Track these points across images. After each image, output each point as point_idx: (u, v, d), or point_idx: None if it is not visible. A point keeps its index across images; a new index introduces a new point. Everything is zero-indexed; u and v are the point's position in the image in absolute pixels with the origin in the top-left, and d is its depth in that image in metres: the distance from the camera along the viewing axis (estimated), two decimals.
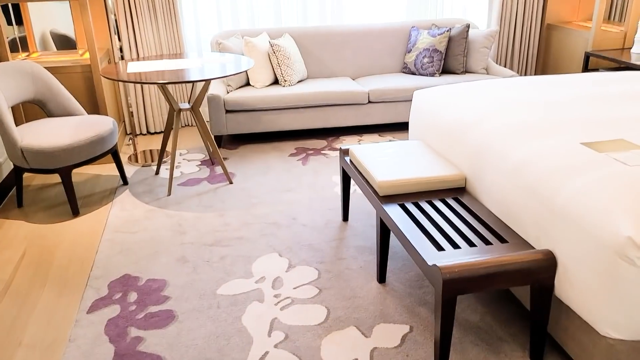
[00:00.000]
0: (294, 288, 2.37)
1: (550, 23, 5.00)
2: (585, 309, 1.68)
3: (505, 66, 5.02)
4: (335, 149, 4.00)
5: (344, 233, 2.81)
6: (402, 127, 4.48)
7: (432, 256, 1.85)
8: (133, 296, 2.35)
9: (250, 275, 2.48)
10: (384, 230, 2.29)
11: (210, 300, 2.30)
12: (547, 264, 1.77)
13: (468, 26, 4.36)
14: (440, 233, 2.00)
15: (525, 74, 5.07)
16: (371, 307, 2.23)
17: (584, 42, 4.56)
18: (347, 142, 4.13)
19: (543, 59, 5.17)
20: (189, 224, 2.95)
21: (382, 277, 2.38)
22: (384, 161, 2.48)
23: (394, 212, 2.16)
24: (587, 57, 4.29)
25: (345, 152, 2.78)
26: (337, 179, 3.46)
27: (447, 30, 4.34)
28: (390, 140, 4.11)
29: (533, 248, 1.88)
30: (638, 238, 1.51)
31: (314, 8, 4.75)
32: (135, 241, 2.79)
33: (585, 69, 4.32)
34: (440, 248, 1.90)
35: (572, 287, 1.72)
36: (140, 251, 2.70)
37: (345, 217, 2.93)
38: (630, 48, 4.32)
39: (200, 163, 3.84)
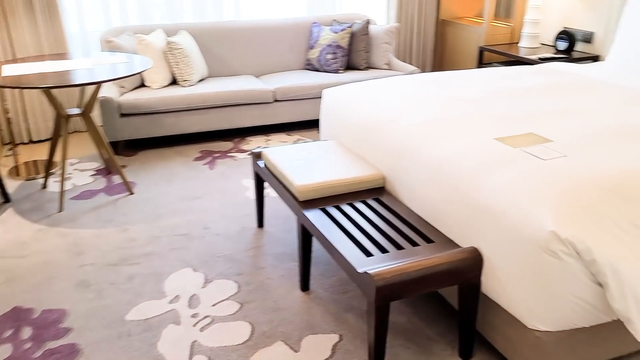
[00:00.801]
0: (213, 305, 2.21)
1: (445, 19, 5.17)
2: (513, 304, 1.69)
3: (405, 61, 5.12)
4: (242, 151, 3.85)
5: (261, 240, 2.68)
6: (309, 125, 4.41)
7: (361, 263, 1.78)
8: (27, 332, 2.06)
9: (162, 295, 2.28)
10: (306, 237, 2.19)
11: (120, 327, 2.08)
12: (474, 262, 1.77)
13: (368, 22, 4.37)
14: (366, 237, 1.94)
15: (424, 69, 5.21)
16: (297, 318, 2.13)
17: (477, 37, 4.75)
18: (254, 143, 3.99)
19: (440, 54, 5.33)
20: (87, 243, 2.67)
21: (305, 285, 2.29)
22: (300, 164, 2.38)
23: (317, 217, 2.07)
24: (481, 51, 4.47)
25: (258, 156, 2.65)
26: (248, 183, 3.32)
27: (349, 26, 4.33)
28: (298, 139, 4.03)
29: (459, 246, 1.87)
30: (561, 232, 1.53)
31: (210, 3, 4.53)
32: (24, 267, 2.48)
33: (480, 62, 4.50)
34: (368, 253, 1.84)
35: (499, 283, 1.73)
36: (32, 278, 2.39)
37: (261, 223, 2.80)
38: (518, 42, 4.56)
39: (94, 173, 3.51)
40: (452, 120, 2.28)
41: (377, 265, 1.76)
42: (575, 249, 1.53)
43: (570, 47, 4.02)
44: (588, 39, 4.03)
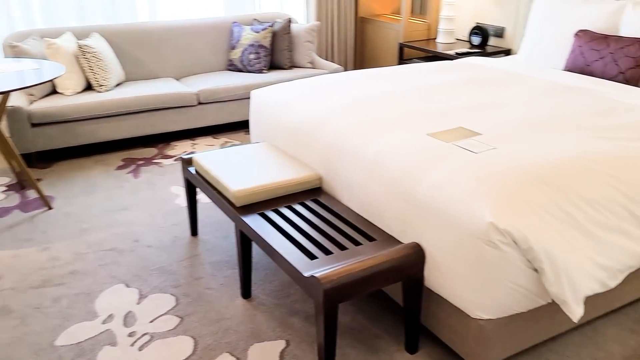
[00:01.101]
0: (151, 321, 2.11)
1: (363, 16, 5.24)
2: (456, 295, 1.73)
3: (327, 59, 5.14)
4: (168, 157, 3.71)
5: (196, 249, 2.59)
6: (236, 127, 4.32)
7: (306, 266, 1.76)
8: None
9: (94, 315, 2.14)
10: (245, 243, 2.14)
11: (50, 354, 1.94)
12: (417, 258, 1.80)
13: (290, 21, 4.35)
14: (308, 239, 1.92)
15: (346, 67, 5.26)
16: (241, 327, 2.07)
17: (396, 34, 4.86)
18: (180, 148, 3.86)
19: (360, 51, 5.41)
20: (4, 265, 2.47)
21: (247, 292, 2.23)
22: (234, 168, 2.32)
23: (256, 222, 2.02)
24: (401, 48, 4.58)
25: (188, 162, 2.55)
26: (177, 190, 3.20)
27: (270, 25, 4.28)
28: (226, 142, 3.94)
29: (400, 243, 1.89)
30: (499, 223, 1.59)
31: (121, 3, 4.33)
32: None
33: (401, 59, 4.60)
34: (312, 256, 1.82)
35: (441, 276, 1.77)
36: None
37: (194, 232, 2.71)
38: (435, 38, 4.71)
39: (6, 189, 3.26)
40: (385, 117, 2.30)
41: (323, 267, 1.75)
42: (512, 238, 1.59)
43: (484, 41, 4.20)
44: (500, 33, 4.22)
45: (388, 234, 1.95)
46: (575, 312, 1.63)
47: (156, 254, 2.55)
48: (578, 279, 1.63)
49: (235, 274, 2.40)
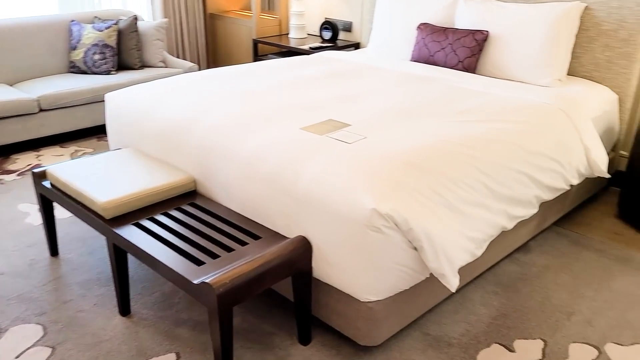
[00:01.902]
0: (17, 357, 1.88)
1: (213, 13, 5.14)
2: (345, 282, 1.79)
3: (179, 58, 4.96)
4: (9, 172, 3.31)
5: (60, 270, 2.36)
6: (86, 134, 3.99)
7: (194, 273, 1.69)
8: None
9: None
10: (119, 257, 2.00)
11: None
12: (304, 251, 1.82)
13: (136, 18, 4.12)
14: (192, 245, 1.84)
15: (200, 65, 5.12)
16: (124, 347, 1.93)
17: (248, 30, 4.84)
18: (23, 161, 3.47)
19: (213, 49, 5.30)
20: None
21: (125, 309, 2.09)
22: (98, 178, 2.15)
23: (131, 234, 1.90)
24: (255, 44, 4.57)
25: (41, 176, 2.30)
26: (27, 208, 2.88)
27: (115, 23, 4.02)
28: (76, 151, 3.63)
29: (286, 238, 1.90)
30: (381, 208, 1.66)
31: None
32: None
33: (256, 55, 4.60)
34: (198, 262, 1.75)
35: (329, 265, 1.81)
36: None
37: (55, 251, 2.46)
38: (288, 34, 4.78)
39: None
40: (255, 114, 2.29)
41: (212, 272, 1.69)
42: (394, 221, 1.68)
43: (334, 36, 4.36)
44: (348, 28, 4.41)
45: (273, 231, 1.94)
46: (453, 283, 1.77)
47: (11, 282, 2.28)
48: (452, 253, 1.78)
49: (109, 291, 2.23)
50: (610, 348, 1.97)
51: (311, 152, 1.93)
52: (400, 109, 2.41)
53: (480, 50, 3.10)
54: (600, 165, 2.54)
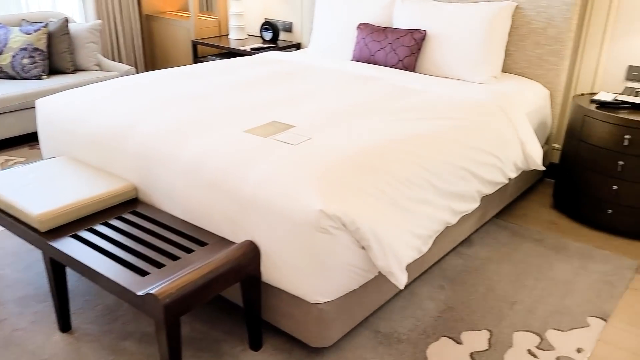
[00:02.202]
0: None
1: (149, 14, 5.00)
2: (294, 285, 1.78)
3: (114, 61, 4.80)
4: None
5: None
6: (18, 142, 3.80)
7: (138, 284, 1.63)
8: None
9: None
10: (57, 271, 1.91)
11: None
12: (253, 255, 1.80)
13: (67, 20, 3.95)
14: (135, 255, 1.78)
15: (137, 68, 4.98)
16: None
17: (186, 32, 4.74)
18: None
19: (150, 51, 5.16)
20: None
21: (66, 325, 2.00)
22: (32, 189, 2.04)
23: (69, 246, 1.81)
24: (194, 45, 4.48)
25: None
26: None
27: (44, 26, 3.84)
28: (7, 161, 3.45)
29: (234, 243, 1.87)
30: (328, 209, 1.66)
31: None
32: None
33: (195, 57, 4.51)
34: (143, 272, 1.70)
35: (278, 269, 1.79)
36: None
37: None
38: (227, 35, 4.72)
39: None
40: (197, 117, 2.24)
41: (158, 282, 1.64)
42: (342, 222, 1.68)
43: (275, 36, 4.33)
44: (288, 28, 4.40)
45: (220, 237, 1.91)
46: (401, 280, 1.79)
47: None
48: (400, 250, 1.80)
49: (47, 307, 2.13)
50: (550, 334, 2.05)
51: (256, 155, 1.90)
52: (344, 109, 2.42)
53: (419, 49, 3.16)
54: (536, 159, 2.64)
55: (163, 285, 1.57)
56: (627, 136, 2.59)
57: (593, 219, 2.81)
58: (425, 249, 1.97)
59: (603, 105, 2.76)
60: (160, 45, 5.05)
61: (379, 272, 1.92)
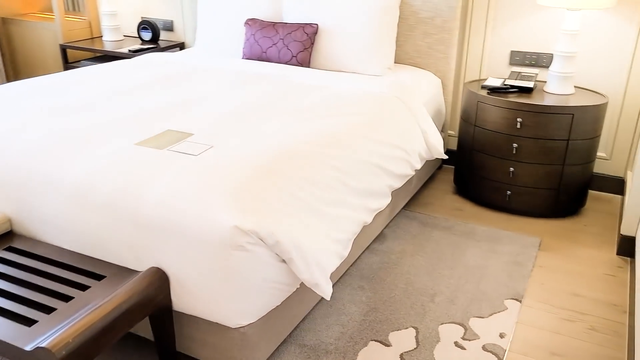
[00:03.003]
0: None
1: (5, 17, 4.45)
2: (212, 311, 1.60)
3: None
4: None
5: None
6: None
7: (25, 337, 1.37)
8: None
9: None
10: None
11: None
12: (161, 284, 1.59)
13: None
14: (18, 301, 1.50)
15: None
16: None
17: (52, 35, 4.27)
18: None
19: (11, 59, 4.59)
20: None
21: None
22: None
23: None
24: (64, 50, 4.05)
25: None
26: None
27: None
28: None
29: (137, 272, 1.65)
30: (243, 224, 1.51)
31: None
32: None
33: (66, 62, 4.07)
34: (29, 321, 1.43)
35: (191, 295, 1.61)
36: None
37: None
38: (101, 37, 4.32)
39: None
40: (77, 132, 1.96)
41: (49, 332, 1.39)
42: (259, 236, 1.53)
43: (155, 36, 4.03)
44: (169, 27, 4.12)
45: (119, 266, 1.67)
46: (327, 291, 1.68)
47: None
48: (323, 259, 1.69)
49: None
50: (473, 323, 2.06)
51: (153, 170, 1.69)
52: (242, 112, 2.26)
53: (312, 43, 3.07)
54: (439, 148, 2.66)
55: (56, 334, 1.33)
56: (519, 119, 2.68)
57: (494, 201, 2.90)
58: (346, 253, 1.88)
59: (493, 90, 2.84)
60: (23, 52, 4.52)
61: (301, 284, 1.80)
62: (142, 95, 2.47)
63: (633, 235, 2.48)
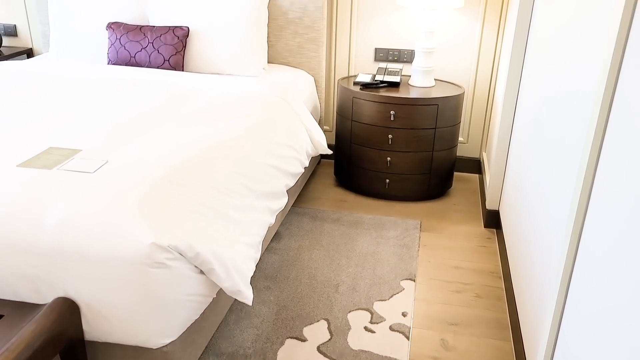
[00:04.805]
0: None
1: None
2: (132, 334, 1.53)
3: None
4: None
5: None
6: None
7: None
8: None
9: None
10: None
11: None
12: (70, 314, 1.47)
13: None
14: None
15: None
16: None
17: None
18: None
19: None
20: None
21: None
22: None
23: None
24: None
25: None
26: None
27: None
28: None
29: (40, 306, 1.50)
30: (161, 240, 1.46)
31: None
32: None
33: None
34: None
35: (107, 321, 1.51)
36: None
37: None
38: None
39: None
40: None
41: None
42: (178, 251, 1.49)
43: None
44: (12, 32, 3.72)
45: (19, 302, 1.51)
46: (249, 296, 1.68)
47: None
48: (241, 265, 1.69)
49: None
50: (377, 306, 2.19)
51: (47, 193, 1.55)
52: (127, 121, 2.14)
53: (184, 46, 2.99)
54: (323, 143, 2.76)
55: None
56: (392, 112, 2.88)
57: (374, 190, 3.09)
58: (258, 255, 1.89)
59: (365, 86, 3.01)
60: None
61: (217, 293, 1.77)
62: (4, 110, 2.22)
63: (496, 209, 2.81)
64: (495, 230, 2.83)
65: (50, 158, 1.75)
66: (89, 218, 1.48)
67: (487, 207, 2.83)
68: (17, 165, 1.69)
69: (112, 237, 1.45)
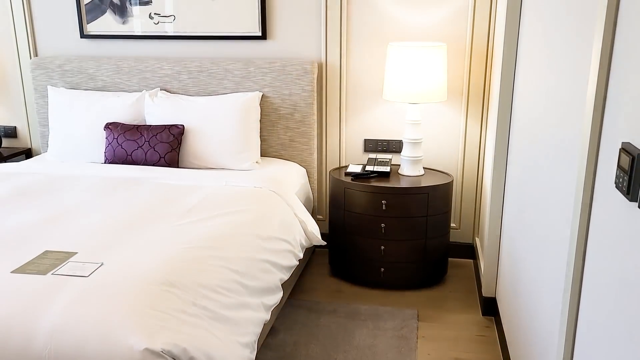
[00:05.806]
0: None
1: None
2: None
3: None
4: None
5: None
6: None
7: None
8: None
9: None
10: None
11: None
12: None
13: None
14: None
15: None
16: None
17: None
18: None
19: None
20: None
21: None
22: None
23: None
24: None
25: None
26: None
27: None
28: None
29: None
30: (154, 344, 1.44)
31: None
32: None
33: None
34: None
35: None
36: None
37: None
38: None
39: None
40: None
41: None
42: (172, 355, 1.47)
43: None
44: (12, 133, 3.84)
45: None
46: None
47: None
48: None
49: None
50: None
51: (41, 299, 1.55)
52: (123, 221, 2.17)
53: (179, 143, 3.09)
54: (317, 235, 2.78)
55: None
56: (383, 201, 2.93)
57: (369, 279, 3.08)
58: (253, 356, 1.86)
59: (357, 177, 3.09)
60: None
61: None
62: (1, 212, 2.26)
63: (493, 296, 2.79)
64: (493, 318, 2.80)
65: (45, 262, 1.76)
66: (82, 324, 1.47)
67: (483, 295, 2.82)
68: (11, 272, 1.70)
69: (105, 343, 1.43)
